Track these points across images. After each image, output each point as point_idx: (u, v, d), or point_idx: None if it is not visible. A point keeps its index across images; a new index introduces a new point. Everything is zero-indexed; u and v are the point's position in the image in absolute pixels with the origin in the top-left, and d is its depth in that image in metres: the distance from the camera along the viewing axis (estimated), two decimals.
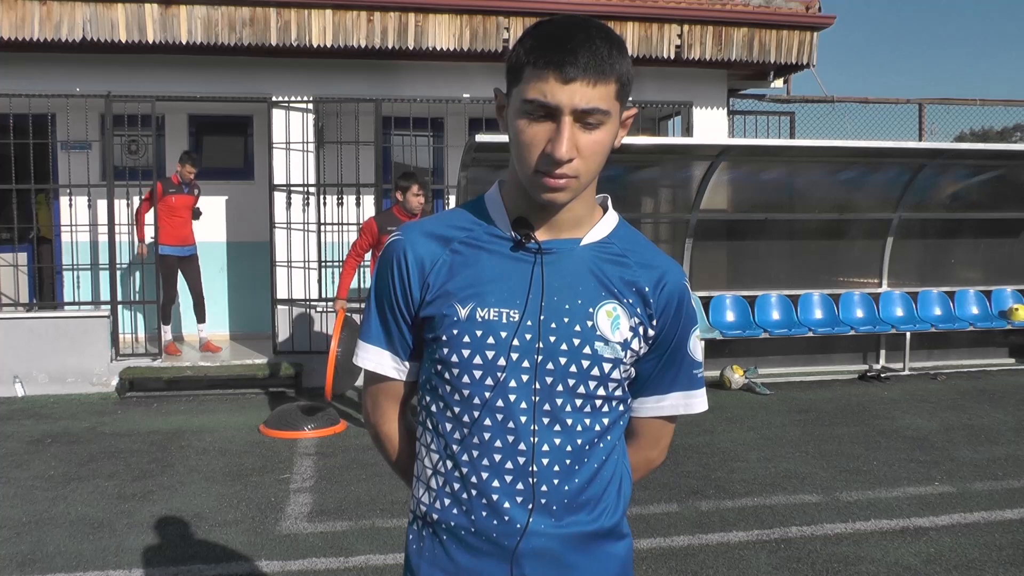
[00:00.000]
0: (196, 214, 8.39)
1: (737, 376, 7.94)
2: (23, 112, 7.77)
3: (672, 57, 8.46)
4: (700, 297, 8.35)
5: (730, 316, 8.48)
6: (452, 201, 8.73)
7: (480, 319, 1.38)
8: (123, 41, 7.58)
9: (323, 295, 8.50)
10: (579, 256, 1.42)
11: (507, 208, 1.44)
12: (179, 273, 8.23)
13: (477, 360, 1.38)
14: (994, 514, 4.63)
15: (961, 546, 4.19)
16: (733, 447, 5.97)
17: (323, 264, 8.56)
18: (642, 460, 1.59)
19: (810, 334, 8.41)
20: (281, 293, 8.41)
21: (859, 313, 8.72)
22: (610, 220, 1.48)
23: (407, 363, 1.50)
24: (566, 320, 1.39)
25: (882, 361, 8.87)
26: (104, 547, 4.21)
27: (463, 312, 1.39)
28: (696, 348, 1.53)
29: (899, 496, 4.93)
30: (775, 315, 8.54)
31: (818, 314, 8.63)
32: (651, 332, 1.46)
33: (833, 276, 8.99)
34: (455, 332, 1.39)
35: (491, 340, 1.38)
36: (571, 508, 1.41)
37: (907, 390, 7.84)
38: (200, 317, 8.41)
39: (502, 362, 1.38)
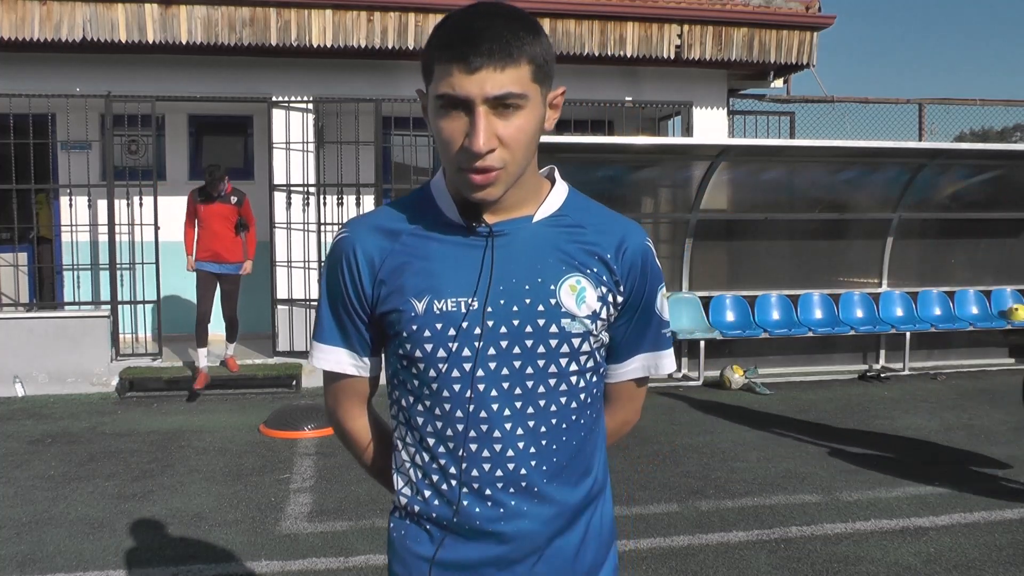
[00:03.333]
0: (239, 227, 7.53)
1: (737, 376, 7.94)
2: (23, 112, 7.77)
3: (672, 57, 8.46)
4: (700, 297, 8.34)
5: (730, 316, 8.48)
6: None
7: (438, 312, 1.35)
8: (123, 41, 7.59)
9: None
10: (533, 233, 1.38)
11: (452, 194, 1.39)
12: (217, 290, 7.51)
13: (441, 353, 1.35)
14: (994, 514, 4.63)
15: (961, 546, 4.19)
16: (733, 447, 5.97)
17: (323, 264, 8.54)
18: (618, 423, 1.59)
19: (810, 334, 8.40)
20: (281, 293, 8.41)
21: (859, 313, 8.71)
22: (560, 192, 1.43)
23: (366, 359, 1.47)
24: (527, 301, 1.35)
25: (882, 361, 8.87)
26: (104, 547, 4.21)
27: (420, 306, 1.35)
28: (664, 307, 1.51)
29: (899, 496, 4.93)
30: (775, 315, 8.54)
31: (818, 314, 8.63)
32: (619, 298, 1.43)
33: (833, 276, 8.98)
34: (414, 328, 1.36)
35: (452, 332, 1.34)
36: (552, 487, 1.40)
37: (907, 390, 7.84)
38: (229, 336, 7.80)
39: (466, 352, 1.35)
